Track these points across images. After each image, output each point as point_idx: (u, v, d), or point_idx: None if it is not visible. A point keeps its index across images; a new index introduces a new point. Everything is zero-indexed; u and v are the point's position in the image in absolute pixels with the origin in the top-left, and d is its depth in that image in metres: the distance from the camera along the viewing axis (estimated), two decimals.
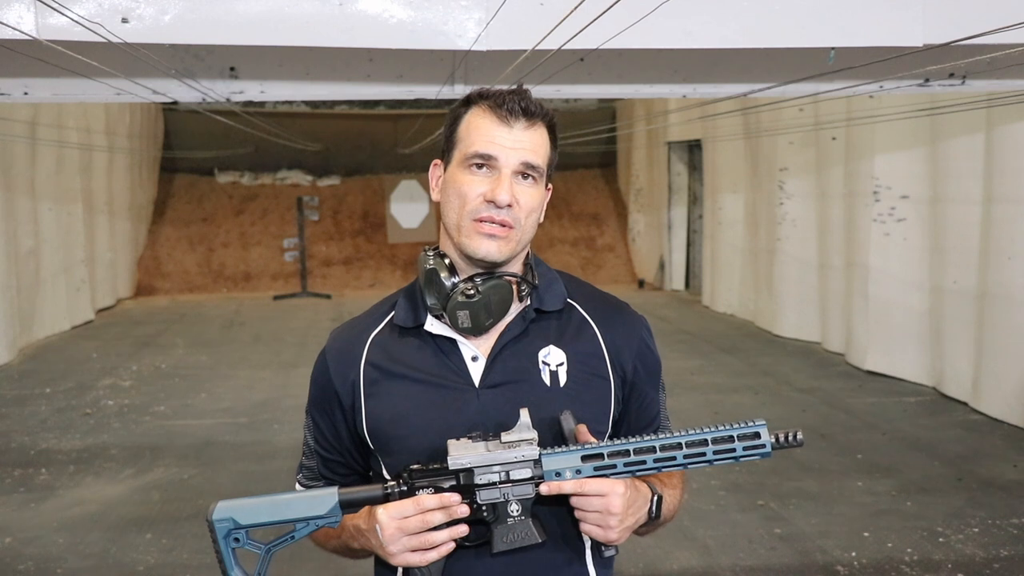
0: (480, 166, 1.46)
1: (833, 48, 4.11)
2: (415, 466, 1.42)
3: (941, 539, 4.47)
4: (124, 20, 3.59)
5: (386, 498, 1.41)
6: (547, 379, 1.50)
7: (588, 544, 1.52)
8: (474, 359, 1.51)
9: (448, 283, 1.47)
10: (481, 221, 1.45)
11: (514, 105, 1.46)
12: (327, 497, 1.44)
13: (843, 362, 8.49)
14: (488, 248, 1.46)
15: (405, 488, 1.41)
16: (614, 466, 1.40)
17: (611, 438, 1.49)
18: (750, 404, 7.13)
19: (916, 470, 5.49)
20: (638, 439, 1.41)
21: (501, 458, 1.40)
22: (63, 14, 3.40)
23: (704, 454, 1.40)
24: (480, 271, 1.49)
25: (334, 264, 15.48)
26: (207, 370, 8.65)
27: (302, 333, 10.78)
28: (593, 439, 1.43)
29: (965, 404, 6.80)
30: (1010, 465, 5.54)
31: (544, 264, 1.61)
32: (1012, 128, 6.12)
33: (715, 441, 1.39)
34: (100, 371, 8.54)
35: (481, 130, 1.46)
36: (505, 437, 1.41)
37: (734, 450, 1.39)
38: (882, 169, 7.73)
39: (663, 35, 3.82)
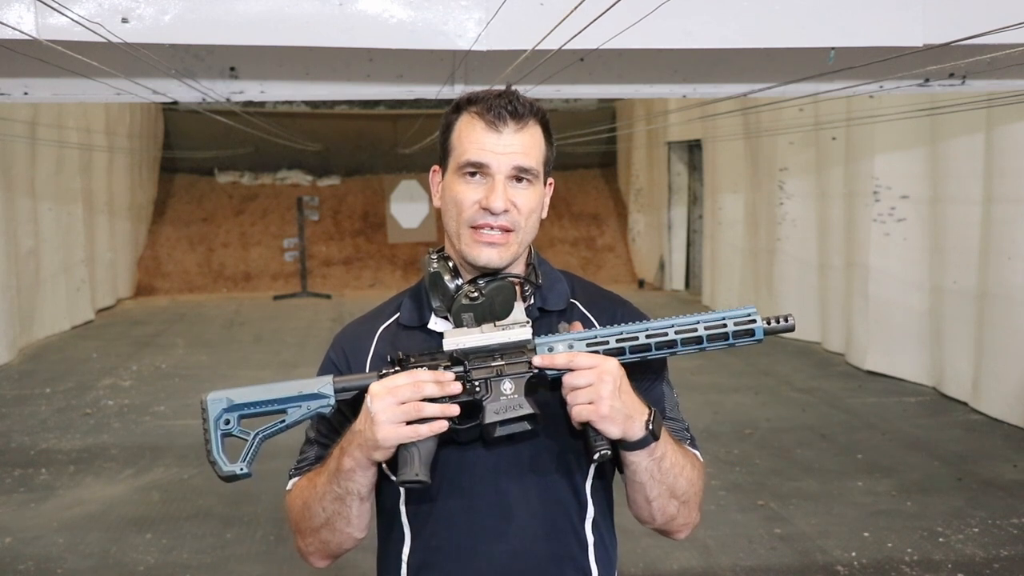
0: (473, 174, 1.47)
1: (833, 48, 4.11)
2: (411, 352, 1.44)
3: (941, 539, 4.47)
4: (124, 20, 3.59)
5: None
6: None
7: (588, 516, 1.51)
8: None
9: (452, 285, 1.48)
10: (479, 229, 1.47)
11: (501, 110, 1.46)
12: (321, 381, 1.45)
13: (843, 362, 8.49)
14: (489, 256, 1.47)
15: (399, 369, 1.43)
16: (606, 342, 1.42)
17: None
18: (750, 404, 7.13)
19: (916, 470, 5.49)
20: (630, 324, 1.45)
21: (496, 339, 1.43)
22: (63, 14, 3.40)
23: (696, 330, 1.43)
24: (483, 273, 1.50)
25: (334, 264, 15.48)
26: (207, 370, 8.65)
27: (302, 333, 10.79)
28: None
29: (965, 404, 6.80)
30: (1010, 465, 5.54)
31: (547, 264, 1.62)
32: (1012, 128, 6.12)
33: (707, 323, 1.44)
34: (100, 371, 8.54)
35: (471, 138, 1.47)
36: (500, 323, 1.44)
37: (725, 326, 1.43)
38: (882, 169, 7.73)
39: (663, 35, 3.82)
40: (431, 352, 1.44)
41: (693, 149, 13.37)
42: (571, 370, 1.39)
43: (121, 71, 4.26)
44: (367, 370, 1.54)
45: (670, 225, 13.86)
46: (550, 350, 1.42)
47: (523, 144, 1.47)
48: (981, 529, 4.57)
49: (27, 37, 3.49)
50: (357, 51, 4.26)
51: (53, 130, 10.17)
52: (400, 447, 1.39)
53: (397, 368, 1.42)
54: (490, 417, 1.40)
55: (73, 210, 11.14)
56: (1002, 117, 6.12)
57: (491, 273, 1.50)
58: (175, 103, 5.26)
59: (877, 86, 4.98)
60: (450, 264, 1.51)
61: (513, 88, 1.51)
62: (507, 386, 1.41)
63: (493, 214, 1.45)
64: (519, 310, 1.44)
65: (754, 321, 1.43)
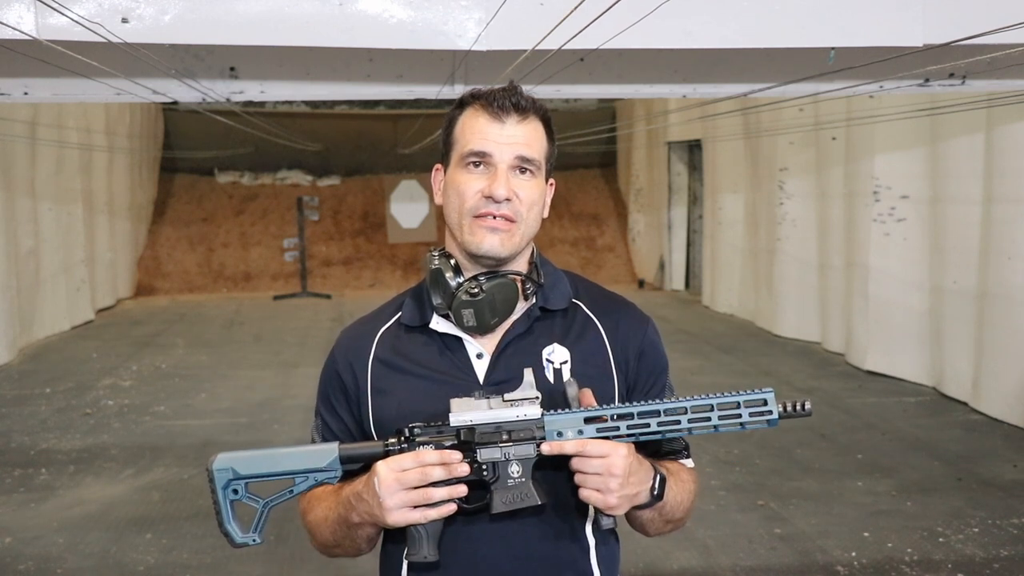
0: (476, 164, 1.48)
1: (833, 48, 4.11)
2: (417, 424, 1.42)
3: (941, 539, 4.47)
4: (124, 20, 3.59)
5: (386, 454, 1.42)
6: (551, 377, 1.51)
7: (589, 518, 1.51)
8: (479, 356, 1.52)
9: (453, 282, 1.48)
10: (481, 217, 1.47)
11: (504, 101, 1.47)
12: (327, 451, 1.45)
13: (843, 362, 8.49)
14: (491, 242, 1.47)
15: (406, 445, 1.42)
16: (617, 428, 1.40)
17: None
18: None
19: (916, 470, 5.50)
20: (642, 403, 1.41)
21: (503, 416, 1.40)
22: (63, 14, 3.40)
23: (709, 419, 1.40)
24: (485, 270, 1.50)
25: (334, 264, 15.48)
26: (207, 370, 8.65)
27: (302, 333, 10.79)
28: (597, 405, 1.43)
29: (965, 404, 6.80)
30: (1010, 465, 5.54)
31: (550, 263, 1.61)
32: (1012, 128, 6.12)
33: (721, 407, 1.39)
34: (100, 371, 8.54)
35: (475, 129, 1.48)
36: (508, 396, 1.41)
37: (740, 416, 1.39)
38: (882, 169, 7.73)
39: (663, 35, 3.82)
40: (437, 426, 1.42)
41: (693, 149, 13.37)
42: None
43: (121, 71, 4.26)
44: (368, 374, 1.54)
45: (670, 225, 13.86)
46: (559, 434, 1.40)
47: (526, 135, 1.48)
48: (981, 529, 4.57)
49: (27, 37, 3.49)
50: (357, 51, 4.26)
51: (53, 130, 10.17)
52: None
53: (404, 444, 1.41)
54: (497, 507, 1.41)
55: (73, 210, 11.14)
56: (1002, 117, 6.12)
57: (492, 270, 1.50)
58: (175, 103, 5.26)
59: (877, 86, 4.98)
60: (452, 262, 1.51)
61: (516, 85, 1.52)
62: (514, 468, 1.40)
63: (496, 202, 1.46)
64: (528, 383, 1.41)
65: (771, 412, 1.39)
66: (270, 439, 6.27)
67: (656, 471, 1.44)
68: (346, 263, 15.53)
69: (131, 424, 6.71)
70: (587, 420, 1.40)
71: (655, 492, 1.42)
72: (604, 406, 1.42)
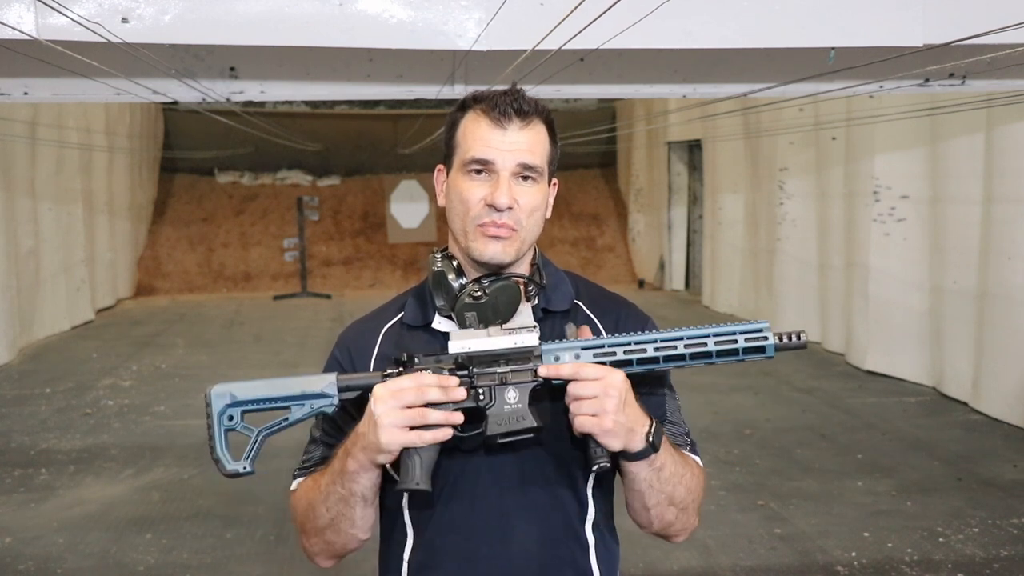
0: (479, 171, 1.47)
1: (833, 48, 4.11)
2: (416, 353, 1.43)
3: (941, 539, 4.47)
4: (124, 20, 3.59)
5: (384, 381, 1.42)
6: None
7: (589, 519, 1.51)
8: None
9: (456, 285, 1.48)
10: (484, 226, 1.47)
11: (507, 107, 1.46)
12: (325, 378, 1.44)
13: (843, 362, 8.49)
14: (494, 250, 1.47)
15: (404, 372, 1.42)
16: (614, 353, 1.40)
17: None
18: (750, 404, 7.13)
19: (916, 470, 5.50)
20: (639, 333, 1.42)
21: (501, 344, 1.41)
22: (63, 14, 3.40)
23: (706, 346, 1.40)
24: (487, 272, 1.50)
25: (334, 264, 15.48)
26: (207, 370, 8.65)
27: (302, 333, 10.78)
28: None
29: (965, 404, 6.80)
30: (1010, 465, 5.54)
31: (552, 264, 1.62)
32: (1012, 128, 6.12)
33: (717, 335, 1.40)
34: (100, 371, 8.54)
35: (477, 135, 1.47)
36: (507, 325, 1.42)
37: (736, 341, 1.39)
38: (882, 169, 7.73)
39: (663, 35, 3.82)
40: (436, 354, 1.43)
41: (693, 149, 13.37)
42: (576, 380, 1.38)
43: (121, 71, 4.26)
44: (371, 370, 1.54)
45: (670, 225, 13.86)
46: (556, 359, 1.40)
47: (528, 141, 1.47)
48: (981, 529, 4.57)
49: (27, 37, 3.49)
50: (357, 51, 4.26)
51: (53, 130, 10.17)
52: (402, 452, 1.39)
53: (401, 369, 1.42)
54: (493, 428, 1.40)
55: (73, 210, 11.14)
56: (1002, 117, 6.12)
57: (495, 272, 1.50)
58: (175, 103, 5.26)
59: (877, 86, 4.98)
60: (454, 263, 1.51)
61: (519, 88, 1.52)
62: (511, 395, 1.40)
63: (498, 211, 1.45)
64: (527, 312, 1.43)
65: (766, 337, 1.39)
66: (269, 439, 6.26)
67: (651, 420, 1.42)
68: (346, 263, 15.53)
69: (131, 424, 6.71)
70: (584, 349, 1.41)
71: (650, 438, 1.40)
72: (601, 336, 1.43)
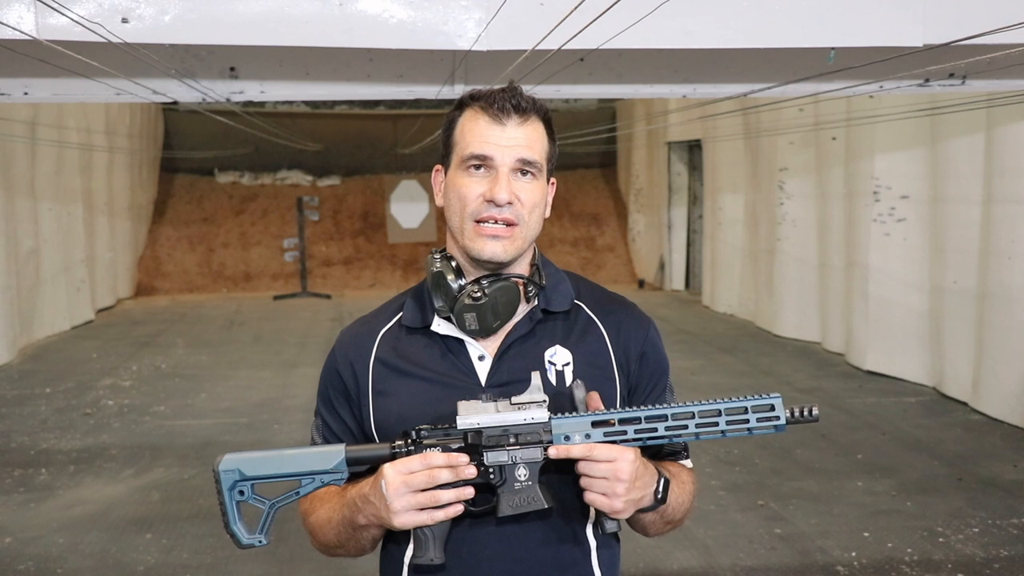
0: (477, 167, 1.47)
1: (833, 48, 4.12)
2: (423, 426, 1.42)
3: (941, 539, 4.47)
4: (124, 20, 3.59)
5: (393, 456, 1.41)
6: (553, 379, 1.51)
7: (590, 520, 1.51)
8: (481, 358, 1.51)
9: (455, 285, 1.48)
10: (483, 222, 1.46)
11: (505, 103, 1.46)
12: (334, 452, 1.44)
13: (843, 362, 8.49)
14: (493, 249, 1.46)
15: (412, 448, 1.41)
16: (624, 432, 1.39)
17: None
18: None
19: (916, 470, 5.49)
20: (650, 408, 1.40)
21: (510, 420, 1.40)
22: (63, 14, 3.40)
23: (717, 424, 1.39)
24: (487, 273, 1.49)
25: (334, 264, 15.48)
26: (207, 370, 8.65)
27: (302, 333, 10.79)
28: (604, 408, 1.43)
29: (965, 404, 6.80)
30: (1010, 465, 5.54)
31: (552, 264, 1.61)
32: (1012, 128, 6.12)
33: (728, 412, 1.39)
34: (100, 371, 8.54)
35: (475, 131, 1.47)
36: (516, 399, 1.41)
37: (747, 421, 1.39)
38: (882, 169, 7.73)
39: (663, 35, 3.82)
40: (444, 429, 1.41)
41: (693, 149, 13.38)
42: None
43: (121, 71, 4.26)
44: (369, 375, 1.54)
45: (670, 225, 13.87)
46: (566, 438, 1.39)
47: (527, 137, 1.47)
48: (981, 529, 4.57)
49: (27, 37, 3.49)
50: (357, 51, 4.26)
51: (53, 130, 10.17)
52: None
53: (411, 447, 1.41)
54: (504, 510, 1.40)
55: (73, 210, 11.15)
56: (1002, 117, 6.13)
57: (494, 273, 1.49)
58: (175, 103, 5.26)
59: (877, 86, 4.98)
60: (453, 264, 1.50)
61: (517, 85, 1.51)
62: (521, 472, 1.40)
63: (497, 206, 1.45)
64: (535, 386, 1.41)
65: (778, 417, 1.38)
66: (270, 439, 6.27)
67: (660, 474, 1.43)
68: (346, 263, 15.53)
69: (131, 424, 6.71)
70: (594, 424, 1.39)
71: (659, 495, 1.42)
72: (611, 410, 1.41)
